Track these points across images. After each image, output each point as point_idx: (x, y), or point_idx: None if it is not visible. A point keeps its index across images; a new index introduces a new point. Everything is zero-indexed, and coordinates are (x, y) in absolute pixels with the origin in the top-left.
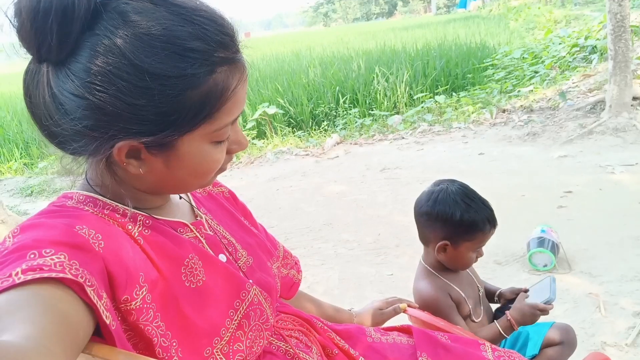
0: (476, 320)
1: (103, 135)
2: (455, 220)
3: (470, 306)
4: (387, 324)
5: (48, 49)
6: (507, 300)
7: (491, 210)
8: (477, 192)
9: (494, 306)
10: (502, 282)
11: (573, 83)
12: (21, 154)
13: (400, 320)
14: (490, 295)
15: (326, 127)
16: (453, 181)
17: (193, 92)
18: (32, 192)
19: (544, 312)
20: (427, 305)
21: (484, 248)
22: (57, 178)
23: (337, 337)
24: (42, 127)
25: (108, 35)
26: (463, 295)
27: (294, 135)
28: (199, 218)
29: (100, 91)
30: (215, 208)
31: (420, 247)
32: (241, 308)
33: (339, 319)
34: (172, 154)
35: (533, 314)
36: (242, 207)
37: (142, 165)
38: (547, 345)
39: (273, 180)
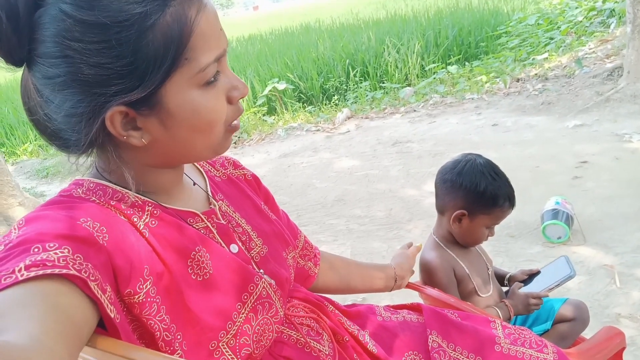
0: (483, 295)
1: (86, 110)
2: (478, 190)
3: (475, 283)
4: (398, 302)
5: (7, 42)
6: (518, 282)
7: (513, 190)
8: (502, 171)
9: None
10: (515, 255)
11: (590, 49)
12: (36, 135)
13: (411, 298)
14: (500, 279)
15: (337, 102)
16: (480, 155)
17: (151, 33)
18: (47, 173)
19: (538, 304)
20: (428, 275)
21: (496, 227)
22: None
23: (348, 321)
24: (44, 132)
25: (53, 3)
26: (467, 271)
27: (305, 111)
28: (212, 206)
29: (65, 63)
30: (234, 193)
31: (432, 222)
32: (249, 301)
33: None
34: (163, 111)
35: (526, 303)
36: (265, 192)
37: (143, 134)
38: (559, 321)
39: (284, 157)
